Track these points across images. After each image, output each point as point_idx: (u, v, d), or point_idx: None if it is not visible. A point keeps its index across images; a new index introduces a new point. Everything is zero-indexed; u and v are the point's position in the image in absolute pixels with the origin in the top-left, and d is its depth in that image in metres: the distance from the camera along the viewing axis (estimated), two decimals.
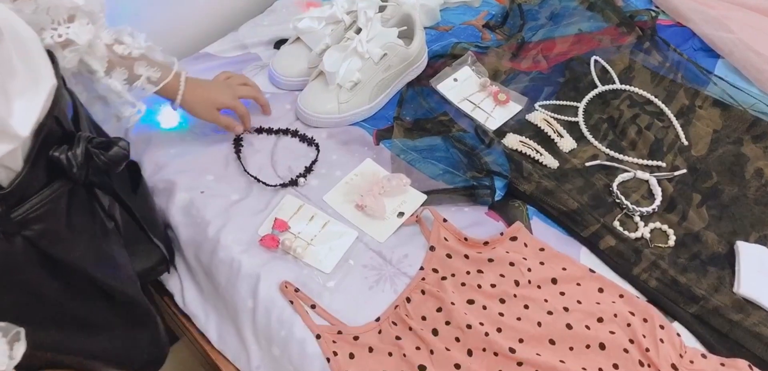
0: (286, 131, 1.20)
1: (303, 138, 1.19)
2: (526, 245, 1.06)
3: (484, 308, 0.98)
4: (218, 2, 1.44)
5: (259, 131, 1.20)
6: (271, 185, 1.11)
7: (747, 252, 1.08)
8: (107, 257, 0.90)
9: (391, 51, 1.22)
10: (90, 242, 0.86)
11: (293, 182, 1.12)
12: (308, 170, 1.14)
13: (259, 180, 1.12)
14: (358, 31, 1.24)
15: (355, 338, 0.95)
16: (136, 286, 0.98)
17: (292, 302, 0.98)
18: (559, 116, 1.27)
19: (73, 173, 0.76)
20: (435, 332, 0.95)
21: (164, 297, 1.15)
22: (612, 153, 1.22)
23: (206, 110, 1.12)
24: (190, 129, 1.20)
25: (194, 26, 1.41)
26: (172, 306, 1.14)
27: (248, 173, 1.13)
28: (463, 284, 1.01)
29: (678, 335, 0.98)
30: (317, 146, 1.18)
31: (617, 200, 1.14)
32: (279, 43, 1.37)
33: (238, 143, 1.18)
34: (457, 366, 0.92)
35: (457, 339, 0.95)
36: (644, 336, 0.96)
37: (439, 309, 0.97)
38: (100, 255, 0.88)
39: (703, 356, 0.96)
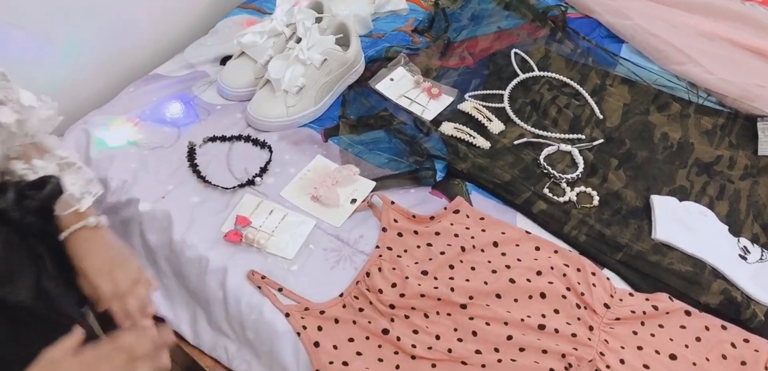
0: (238, 138, 1.26)
1: (256, 142, 1.25)
2: (467, 216, 1.15)
3: (436, 278, 1.06)
4: (163, 26, 1.48)
5: (213, 139, 1.25)
6: (229, 187, 1.17)
7: (660, 203, 1.19)
8: (46, 292, 0.86)
9: (330, 56, 1.30)
10: (28, 280, 0.84)
11: (250, 182, 1.17)
12: (263, 170, 1.19)
13: (215, 185, 1.17)
14: (298, 40, 1.31)
15: (321, 312, 1.00)
16: (79, 312, 0.92)
17: (260, 287, 1.03)
18: (487, 104, 1.37)
19: (9, 215, 0.79)
20: (392, 306, 1.02)
21: None
22: (537, 131, 1.32)
23: None
24: (146, 143, 1.24)
25: (141, 50, 1.44)
26: None
27: (205, 180, 1.17)
28: (416, 262, 1.08)
29: (608, 279, 1.08)
30: (270, 148, 1.24)
31: (545, 171, 1.24)
32: (225, 60, 1.42)
33: (192, 154, 1.22)
34: (415, 331, 0.99)
35: (413, 308, 1.02)
36: (579, 283, 1.06)
37: (393, 285, 1.04)
38: (39, 292, 0.85)
39: (631, 294, 1.07)
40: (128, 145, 1.23)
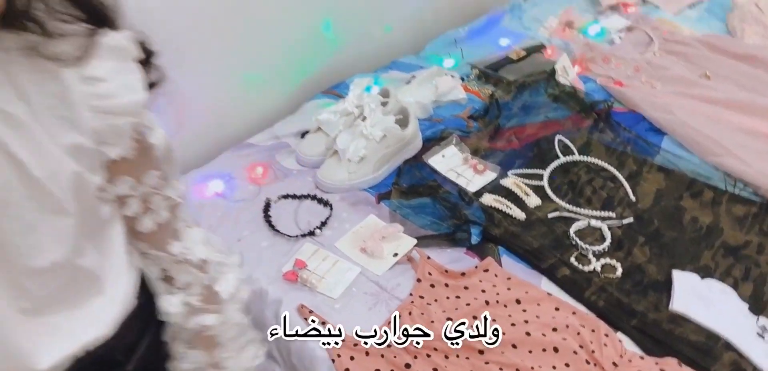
0: (306, 196, 1.43)
1: (320, 201, 1.41)
2: (496, 275, 1.24)
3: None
4: (257, 103, 1.71)
5: (286, 196, 1.43)
6: (293, 236, 1.33)
7: (680, 277, 1.23)
8: None
9: (389, 133, 1.45)
10: None
11: (311, 233, 1.33)
12: (323, 224, 1.35)
13: (283, 233, 1.33)
14: (364, 119, 1.48)
15: (355, 345, 1.12)
16: None
17: (306, 319, 1.17)
18: (527, 181, 1.46)
19: None
20: (417, 344, 1.12)
21: None
22: (570, 207, 1.40)
23: None
24: (232, 197, 1.43)
25: (238, 123, 1.66)
26: None
27: (275, 228, 1.34)
28: (443, 310, 1.18)
29: (620, 341, 1.13)
30: (331, 206, 1.39)
31: (574, 243, 1.31)
32: (304, 134, 1.62)
33: (267, 208, 1.40)
34: (435, 369, 1.08)
35: (435, 349, 1.11)
36: (591, 342, 1.11)
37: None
38: None
39: (641, 357, 1.11)
40: (217, 198, 1.43)
